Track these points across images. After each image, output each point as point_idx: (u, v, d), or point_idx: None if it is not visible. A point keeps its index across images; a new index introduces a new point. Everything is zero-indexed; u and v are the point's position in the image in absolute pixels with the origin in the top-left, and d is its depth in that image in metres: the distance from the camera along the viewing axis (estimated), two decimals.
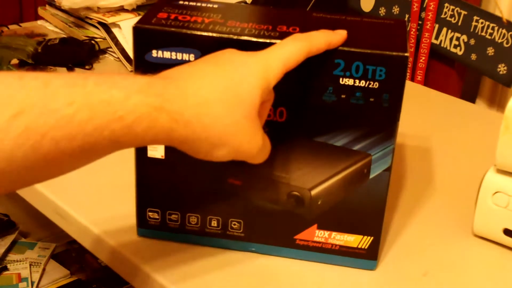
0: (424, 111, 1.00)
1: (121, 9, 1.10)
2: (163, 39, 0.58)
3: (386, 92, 0.57)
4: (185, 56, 0.58)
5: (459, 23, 1.08)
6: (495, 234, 0.68)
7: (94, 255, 0.74)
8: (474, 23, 1.06)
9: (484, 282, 0.65)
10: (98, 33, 1.09)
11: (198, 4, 0.64)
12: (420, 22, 1.13)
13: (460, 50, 1.09)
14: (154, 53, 0.58)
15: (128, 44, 1.06)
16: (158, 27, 0.58)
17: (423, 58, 1.14)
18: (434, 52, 1.13)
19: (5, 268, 1.12)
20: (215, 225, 0.65)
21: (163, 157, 0.62)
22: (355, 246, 0.63)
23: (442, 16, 1.10)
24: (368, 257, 0.64)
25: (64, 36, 1.12)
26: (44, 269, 1.13)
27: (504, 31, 1.03)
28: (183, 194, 0.64)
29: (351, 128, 0.59)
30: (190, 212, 0.64)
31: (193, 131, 0.48)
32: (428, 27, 1.12)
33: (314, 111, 0.59)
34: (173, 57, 0.58)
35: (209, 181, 0.63)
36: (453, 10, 1.09)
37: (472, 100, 1.14)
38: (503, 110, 0.63)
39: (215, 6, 0.64)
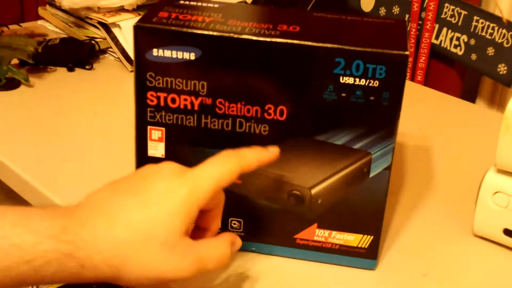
0: (424, 111, 1.00)
1: (121, 9, 1.10)
2: (164, 37, 0.58)
3: (386, 90, 0.57)
4: (186, 55, 0.58)
5: (459, 23, 1.08)
6: (495, 234, 0.68)
7: None
8: (474, 23, 1.06)
9: (484, 282, 0.65)
10: (98, 33, 1.09)
11: (199, 3, 0.64)
12: (420, 22, 1.13)
13: (460, 50, 1.09)
14: (155, 51, 0.58)
15: (128, 44, 1.06)
16: (159, 25, 0.58)
17: (423, 58, 1.14)
18: (434, 52, 1.14)
19: None
20: None
21: (164, 156, 0.62)
22: (355, 245, 0.63)
23: (442, 16, 1.10)
24: (368, 256, 0.64)
25: (65, 36, 1.12)
26: None
27: (504, 31, 1.03)
28: None
29: (351, 127, 0.59)
30: None
31: (103, 273, 0.49)
32: (428, 27, 1.12)
33: (314, 110, 0.59)
34: (174, 55, 0.58)
35: None
36: (453, 10, 1.09)
37: (472, 100, 1.14)
38: (503, 110, 0.63)
39: (216, 5, 0.64)
